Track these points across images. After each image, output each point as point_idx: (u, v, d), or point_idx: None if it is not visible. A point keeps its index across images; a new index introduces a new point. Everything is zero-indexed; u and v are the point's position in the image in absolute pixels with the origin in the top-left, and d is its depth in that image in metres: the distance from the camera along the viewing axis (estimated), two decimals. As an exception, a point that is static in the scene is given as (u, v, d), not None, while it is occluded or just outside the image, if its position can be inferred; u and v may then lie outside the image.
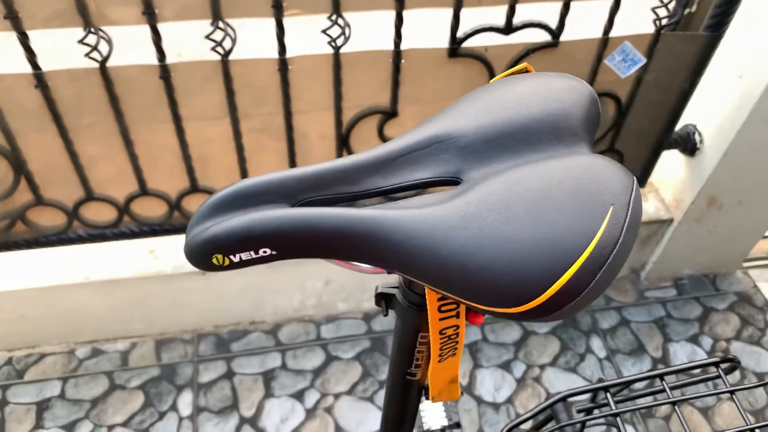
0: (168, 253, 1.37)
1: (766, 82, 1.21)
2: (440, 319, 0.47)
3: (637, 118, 1.36)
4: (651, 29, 1.20)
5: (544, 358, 1.53)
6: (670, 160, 1.52)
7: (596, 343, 1.56)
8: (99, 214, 1.25)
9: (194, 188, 1.25)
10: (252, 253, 0.39)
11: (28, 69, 1.01)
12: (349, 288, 1.50)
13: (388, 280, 0.55)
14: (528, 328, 1.58)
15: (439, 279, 0.38)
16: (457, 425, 0.89)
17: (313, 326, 1.54)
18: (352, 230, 0.38)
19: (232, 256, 0.39)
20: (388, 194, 0.42)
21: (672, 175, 1.54)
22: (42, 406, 1.35)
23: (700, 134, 1.41)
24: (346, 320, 1.56)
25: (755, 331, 1.61)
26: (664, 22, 1.18)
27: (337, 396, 1.42)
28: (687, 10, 1.25)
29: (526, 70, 0.49)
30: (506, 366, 1.50)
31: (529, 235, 0.35)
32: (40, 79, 1.02)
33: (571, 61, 1.22)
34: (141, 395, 1.39)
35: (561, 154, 0.40)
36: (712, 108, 1.37)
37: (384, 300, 0.53)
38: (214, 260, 0.40)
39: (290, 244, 0.39)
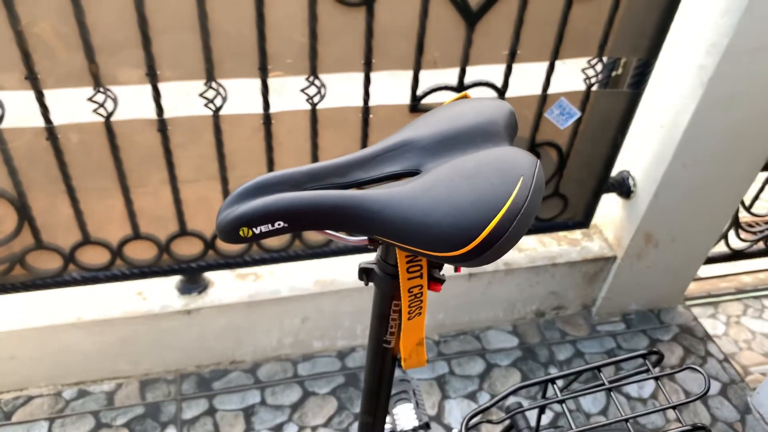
0: (155, 293, 1.47)
1: (682, 131, 1.41)
2: (408, 279, 0.61)
3: (577, 165, 1.55)
4: (583, 87, 1.40)
5: (507, 388, 1.65)
6: (610, 203, 1.71)
7: (554, 373, 1.68)
8: (93, 257, 1.35)
9: (183, 232, 1.37)
10: (270, 225, 0.53)
11: (41, 123, 1.14)
12: (324, 326, 1.61)
13: (368, 259, 0.69)
14: (491, 361, 1.70)
15: (406, 236, 0.53)
16: (427, 425, 1.01)
17: (290, 364, 1.64)
18: (343, 205, 0.53)
19: (254, 229, 0.53)
20: (369, 183, 0.58)
21: (612, 216, 1.72)
22: (28, 447, 1.41)
23: (633, 178, 1.60)
24: (321, 358, 1.66)
25: (697, 359, 1.77)
26: (593, 80, 1.39)
27: (314, 429, 1.50)
28: (614, 72, 1.46)
29: (465, 97, 0.66)
30: (472, 396, 1.61)
31: (466, 198, 0.51)
32: (51, 132, 1.15)
33: (516, 115, 1.40)
34: (126, 433, 1.45)
35: (488, 148, 0.57)
36: (640, 154, 1.57)
37: (365, 274, 0.67)
38: (241, 233, 0.54)
39: (298, 217, 0.53)
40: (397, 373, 1.61)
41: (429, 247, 0.52)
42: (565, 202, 1.61)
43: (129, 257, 1.38)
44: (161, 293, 1.48)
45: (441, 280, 0.64)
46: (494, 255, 0.51)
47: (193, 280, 1.49)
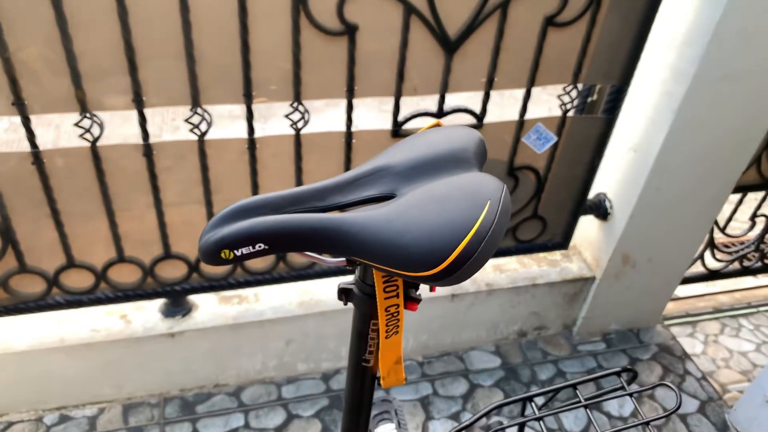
0: (139, 317, 1.48)
1: (654, 155, 1.46)
2: (385, 298, 0.64)
3: (555, 188, 1.59)
4: (559, 113, 1.44)
5: (486, 406, 1.66)
6: (588, 225, 1.75)
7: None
8: (77, 280, 1.36)
9: (167, 255, 1.38)
10: (251, 247, 0.56)
11: (26, 148, 1.16)
12: (308, 348, 1.62)
13: (347, 280, 0.71)
14: (474, 382, 1.72)
15: (381, 257, 0.55)
16: (409, 443, 1.02)
17: (274, 387, 1.64)
18: (321, 227, 0.56)
19: (236, 251, 0.56)
20: (347, 207, 0.60)
21: (590, 237, 1.76)
22: (9, 474, 1.39)
23: (609, 201, 1.65)
24: (305, 380, 1.67)
25: (676, 378, 1.80)
26: (569, 106, 1.43)
27: (298, 451, 1.51)
28: (590, 98, 1.51)
29: (438, 125, 0.69)
30: (456, 417, 1.62)
31: (437, 221, 0.54)
32: (37, 156, 1.17)
33: (494, 140, 1.45)
34: (108, 458, 1.44)
35: (459, 174, 0.60)
36: (616, 178, 1.61)
37: (344, 294, 0.70)
38: (223, 255, 0.56)
39: (278, 239, 0.56)
40: (381, 393, 1.62)
41: (403, 267, 0.54)
42: (544, 223, 1.65)
43: (113, 280, 1.38)
44: (145, 316, 1.48)
45: (417, 300, 0.67)
46: (464, 274, 0.54)
47: (177, 303, 1.50)
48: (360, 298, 0.68)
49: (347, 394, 0.80)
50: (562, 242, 1.71)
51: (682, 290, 2.10)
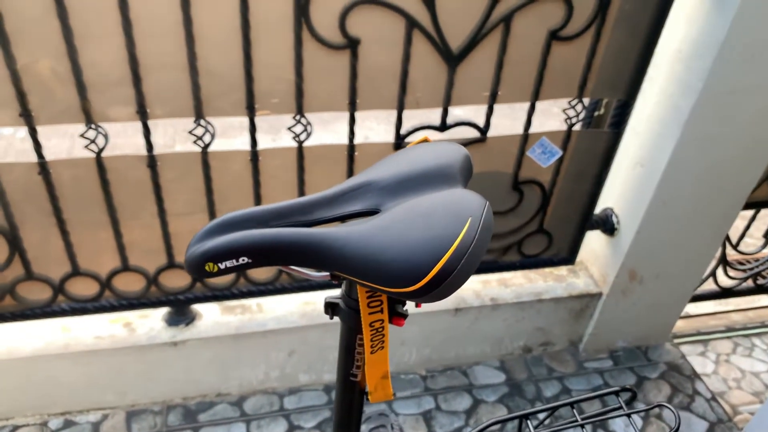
0: (143, 325, 1.49)
1: (661, 170, 1.44)
2: (369, 313, 0.64)
3: (561, 203, 1.58)
4: (564, 127, 1.44)
5: (482, 423, 1.65)
6: (595, 240, 1.73)
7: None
8: (82, 288, 1.37)
9: (171, 264, 1.40)
10: (234, 261, 0.56)
11: (33, 158, 1.18)
12: (310, 359, 1.62)
13: (335, 294, 0.71)
14: (478, 397, 1.70)
15: (363, 272, 0.55)
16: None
17: (276, 397, 1.64)
18: (305, 242, 0.56)
19: (220, 264, 0.56)
20: (332, 221, 0.61)
21: (597, 252, 1.74)
22: (12, 478, 1.41)
23: (616, 216, 1.63)
24: (308, 391, 1.67)
25: (684, 398, 1.77)
26: (574, 120, 1.42)
27: (298, 463, 1.51)
28: (596, 112, 1.50)
29: (426, 140, 0.69)
30: (458, 432, 1.61)
31: (418, 237, 0.54)
32: (43, 167, 1.19)
33: (498, 153, 1.44)
34: (110, 465, 1.45)
35: (443, 190, 0.60)
36: (623, 193, 1.60)
37: (330, 308, 0.70)
38: (207, 267, 0.56)
39: (262, 253, 0.56)
40: (382, 406, 1.61)
41: (384, 283, 0.54)
42: (550, 238, 1.64)
43: (118, 289, 1.40)
44: (149, 324, 1.50)
45: (404, 315, 0.67)
46: (446, 291, 0.53)
47: (180, 312, 1.51)
48: (346, 312, 0.69)
49: (336, 409, 0.80)
50: (568, 257, 1.70)
51: (693, 308, 2.07)
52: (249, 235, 0.56)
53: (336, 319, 0.70)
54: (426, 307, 1.63)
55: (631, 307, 1.76)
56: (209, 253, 0.56)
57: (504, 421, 0.96)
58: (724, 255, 1.89)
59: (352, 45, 1.20)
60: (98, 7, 1.06)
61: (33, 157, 1.18)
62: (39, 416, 1.52)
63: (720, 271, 1.93)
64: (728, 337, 2.01)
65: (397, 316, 0.66)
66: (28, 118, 1.12)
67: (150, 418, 1.56)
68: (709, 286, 1.96)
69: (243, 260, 0.56)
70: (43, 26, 1.05)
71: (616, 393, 0.95)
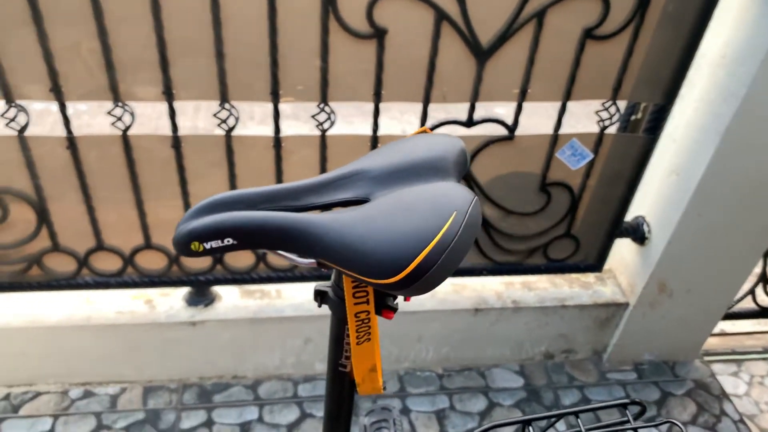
0: (163, 303, 1.52)
1: (698, 179, 1.39)
2: (354, 304, 0.63)
3: (590, 208, 1.53)
4: (596, 129, 1.39)
5: (507, 429, 1.62)
6: (624, 248, 1.68)
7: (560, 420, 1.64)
8: (106, 263, 1.41)
9: (192, 245, 1.41)
10: (220, 241, 0.56)
11: (62, 133, 1.21)
12: (326, 348, 1.62)
13: (326, 283, 0.71)
14: (494, 400, 1.68)
15: (344, 261, 0.54)
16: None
17: (290, 384, 1.65)
18: (288, 226, 0.56)
19: (205, 244, 0.56)
20: (320, 208, 0.60)
21: (626, 261, 1.69)
22: (32, 442, 1.46)
23: (648, 225, 1.57)
24: (322, 380, 1.67)
25: (710, 418, 1.70)
26: (606, 123, 1.38)
27: (307, 451, 1.51)
28: (634, 116, 1.45)
29: (424, 131, 0.68)
30: (469, 433, 1.59)
31: (400, 229, 0.53)
32: (71, 142, 1.22)
33: (526, 153, 1.41)
34: (124, 437, 1.49)
35: (433, 182, 0.58)
36: (655, 201, 1.54)
37: (319, 296, 0.69)
38: (192, 246, 0.56)
39: (247, 235, 0.56)
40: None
41: (364, 273, 0.53)
42: (578, 244, 1.59)
43: (140, 266, 1.43)
44: (169, 303, 1.52)
45: (393, 309, 0.65)
46: (426, 285, 0.52)
47: (200, 293, 1.53)
48: (334, 302, 0.68)
49: (327, 399, 0.80)
50: (595, 264, 1.65)
51: (729, 326, 1.99)
52: (234, 216, 0.56)
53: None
54: (445, 304, 1.61)
55: (659, 320, 1.70)
56: (195, 232, 0.56)
57: (506, 425, 0.93)
58: (764, 273, 1.81)
59: (379, 35, 1.19)
60: (128, -12, 1.08)
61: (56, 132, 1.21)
62: (60, 385, 1.57)
63: (759, 290, 1.85)
64: (765, 359, 1.93)
65: (387, 309, 0.65)
66: (58, 93, 1.15)
67: (166, 395, 1.59)
68: (747, 304, 1.88)
69: (228, 241, 0.56)
70: (75, 5, 1.07)
71: (624, 405, 0.92)
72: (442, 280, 0.53)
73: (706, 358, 1.88)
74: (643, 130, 1.42)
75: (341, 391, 0.78)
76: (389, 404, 1.15)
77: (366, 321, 0.65)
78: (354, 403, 1.58)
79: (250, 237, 0.57)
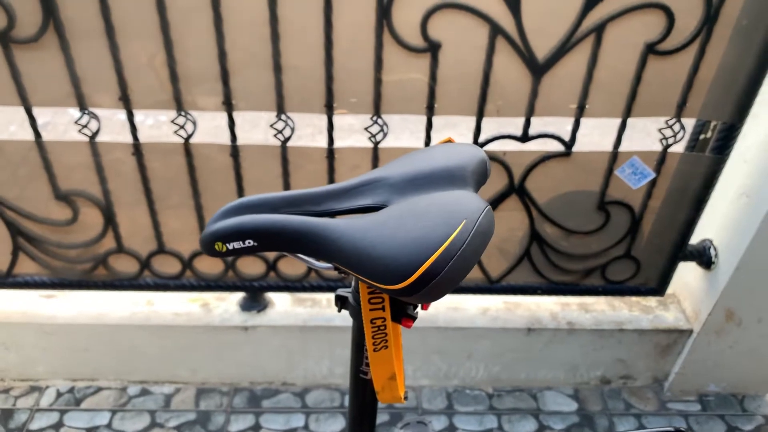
0: (219, 307, 1.56)
1: (769, 203, 1.31)
2: (370, 310, 0.63)
3: (652, 229, 1.47)
4: (659, 147, 1.34)
5: (557, 454, 1.57)
6: (689, 272, 1.60)
7: (610, 446, 1.58)
8: (166, 266, 1.47)
9: (247, 252, 1.45)
10: (241, 243, 0.58)
11: (129, 140, 1.28)
12: (375, 361, 1.62)
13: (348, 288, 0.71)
14: (544, 423, 1.63)
15: (355, 265, 0.55)
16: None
17: (338, 394, 1.66)
18: (305, 230, 0.57)
19: (228, 245, 0.58)
20: (340, 214, 0.61)
21: (691, 286, 1.61)
22: (91, 434, 1.53)
23: (715, 249, 1.50)
24: (370, 393, 1.67)
25: (782, 457, 1.59)
26: (670, 141, 1.33)
27: (351, 462, 1.51)
28: (702, 135, 1.39)
29: (449, 141, 0.67)
30: (518, 456, 1.55)
31: (409, 235, 0.53)
32: (137, 148, 1.28)
33: (583, 170, 1.37)
34: (176, 436, 1.54)
35: (449, 190, 0.58)
36: (723, 224, 1.46)
37: (339, 301, 0.70)
38: (216, 246, 0.59)
39: (266, 237, 0.58)
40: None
41: (374, 278, 0.54)
42: (638, 265, 1.53)
43: (198, 270, 1.48)
44: (224, 307, 1.57)
45: (412, 317, 0.65)
46: (434, 292, 0.52)
47: (254, 299, 1.57)
48: (354, 307, 0.68)
49: (350, 406, 0.80)
50: (657, 288, 1.58)
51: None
52: (255, 219, 0.58)
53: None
54: (497, 322, 1.59)
55: (727, 350, 1.61)
56: (218, 233, 0.58)
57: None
58: None
59: (432, 49, 1.19)
60: (193, 4, 1.12)
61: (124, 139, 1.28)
62: (120, 381, 1.64)
63: (841, 323, 1.72)
64: None
65: (406, 317, 0.65)
66: (126, 101, 1.22)
67: (217, 398, 1.63)
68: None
69: (249, 243, 0.58)
70: (142, 18, 1.13)
71: (673, 435, 0.88)
72: (452, 288, 0.53)
73: (780, 394, 1.76)
74: (711, 149, 1.36)
75: (363, 399, 0.79)
76: (425, 418, 1.14)
77: (382, 328, 0.65)
78: (397, 416, 1.57)
79: (269, 239, 0.59)
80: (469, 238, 0.53)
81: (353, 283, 0.68)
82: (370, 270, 0.54)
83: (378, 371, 0.68)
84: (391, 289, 0.53)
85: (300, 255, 0.61)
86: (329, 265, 0.61)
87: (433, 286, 0.51)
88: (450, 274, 0.52)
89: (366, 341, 0.66)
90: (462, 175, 0.61)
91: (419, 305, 0.66)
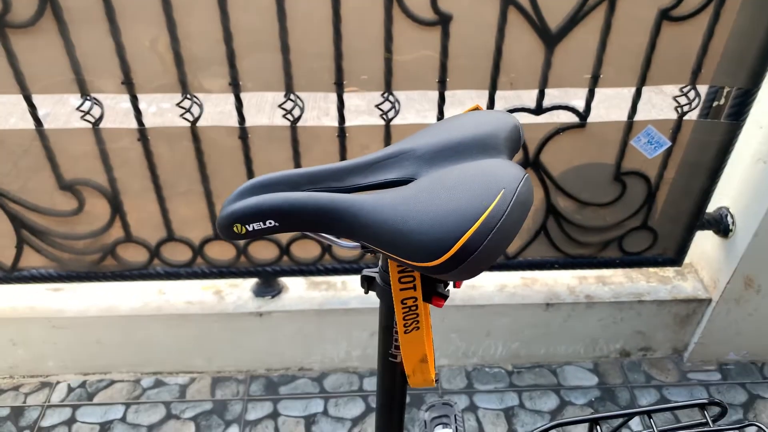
0: (232, 294, 1.54)
1: (789, 167, 1.29)
2: (401, 290, 0.60)
3: (668, 198, 1.45)
4: (674, 115, 1.31)
5: (579, 428, 1.55)
6: (706, 241, 1.58)
7: (634, 419, 1.57)
8: (176, 254, 1.44)
9: (258, 237, 1.43)
10: (261, 223, 0.55)
11: (133, 125, 1.24)
12: (391, 343, 1.61)
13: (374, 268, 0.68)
14: (565, 398, 1.61)
15: (386, 243, 0.52)
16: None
17: (356, 377, 1.65)
18: (329, 207, 0.54)
19: (247, 226, 0.55)
20: (365, 189, 0.58)
21: (708, 255, 1.59)
22: (105, 427, 1.51)
23: (732, 216, 1.48)
24: (387, 375, 1.65)
25: (804, 424, 1.57)
26: (685, 108, 1.30)
27: (372, 445, 1.50)
28: (716, 102, 1.36)
29: (477, 108, 0.64)
30: (539, 432, 1.53)
31: (444, 208, 0.50)
32: (143, 133, 1.25)
33: (598, 141, 1.34)
34: (192, 426, 1.52)
35: (482, 160, 0.55)
36: (740, 191, 1.44)
37: (366, 281, 0.67)
38: (235, 229, 0.55)
39: (288, 216, 0.54)
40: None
41: (406, 255, 0.51)
42: (655, 236, 1.51)
43: (209, 256, 1.45)
44: (238, 293, 1.55)
45: (444, 296, 0.62)
46: (472, 268, 0.49)
47: (268, 284, 1.55)
48: (382, 288, 0.66)
49: (378, 390, 0.78)
50: (674, 258, 1.56)
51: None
52: (274, 198, 0.55)
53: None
54: (514, 299, 1.57)
55: (747, 318, 1.59)
56: (236, 214, 0.55)
57: (572, 423, 0.89)
58: None
59: (443, 22, 1.16)
60: (195, -20, 1.09)
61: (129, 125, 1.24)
62: (133, 373, 1.62)
63: None
64: None
65: (438, 296, 0.62)
66: (129, 86, 1.18)
67: (233, 386, 1.61)
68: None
69: (270, 223, 0.55)
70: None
71: (702, 406, 0.86)
72: (490, 263, 0.50)
73: (799, 360, 1.75)
74: (726, 115, 1.33)
75: (392, 383, 0.76)
76: (451, 399, 1.12)
77: (413, 308, 0.62)
78: (418, 397, 1.55)
79: (290, 218, 0.55)
80: (508, 209, 0.49)
81: (380, 262, 0.65)
82: (402, 247, 0.51)
83: (409, 354, 0.65)
84: (426, 266, 0.50)
85: (324, 234, 0.58)
86: (355, 243, 0.58)
87: (471, 262, 0.48)
88: (489, 249, 0.48)
89: (396, 323, 0.63)
90: (495, 143, 0.58)
91: (452, 283, 0.63)
